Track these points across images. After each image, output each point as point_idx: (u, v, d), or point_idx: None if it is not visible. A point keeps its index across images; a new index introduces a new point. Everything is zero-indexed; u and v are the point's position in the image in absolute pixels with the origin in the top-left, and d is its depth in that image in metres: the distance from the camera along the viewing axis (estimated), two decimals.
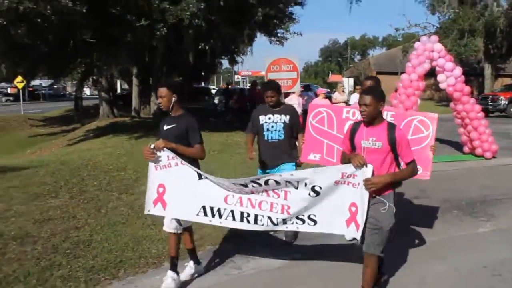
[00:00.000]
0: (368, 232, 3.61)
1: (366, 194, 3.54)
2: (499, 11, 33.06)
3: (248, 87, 35.20)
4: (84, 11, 10.03)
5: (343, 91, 13.97)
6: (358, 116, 4.19)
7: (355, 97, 12.82)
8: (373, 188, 3.50)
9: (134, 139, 13.82)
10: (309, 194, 3.81)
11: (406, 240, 5.21)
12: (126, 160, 9.85)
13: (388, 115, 4.58)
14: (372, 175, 3.51)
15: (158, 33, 11.32)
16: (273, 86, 5.25)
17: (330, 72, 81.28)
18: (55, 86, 77.11)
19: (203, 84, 56.79)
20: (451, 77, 10.69)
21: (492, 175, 9.19)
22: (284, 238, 5.33)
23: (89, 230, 5.52)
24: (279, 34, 16.38)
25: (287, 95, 10.60)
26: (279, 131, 5.10)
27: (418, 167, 3.85)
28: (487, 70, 36.54)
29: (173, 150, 4.11)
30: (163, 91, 4.24)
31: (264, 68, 9.48)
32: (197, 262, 4.47)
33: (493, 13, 32.96)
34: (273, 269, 4.65)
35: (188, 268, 4.41)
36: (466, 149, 11.27)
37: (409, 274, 4.38)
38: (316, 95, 14.50)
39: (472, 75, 38.97)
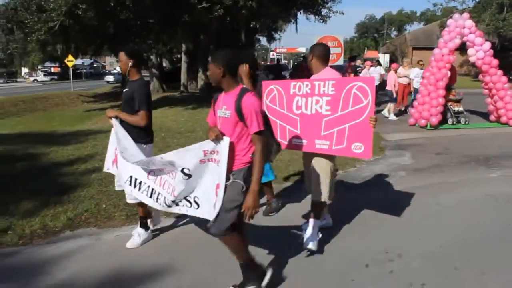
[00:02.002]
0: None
1: (224, 172, 3.23)
2: None
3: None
4: None
5: (407, 65, 14.65)
6: (305, 90, 4.29)
7: (415, 71, 14.10)
8: (254, 213, 3.16)
9: (190, 109, 15.53)
10: (182, 177, 3.50)
11: (429, 181, 6.73)
12: (192, 124, 11.59)
13: (329, 84, 4.14)
14: (230, 148, 3.20)
15: (216, 13, 12.84)
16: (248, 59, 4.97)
17: (366, 48, 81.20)
18: (95, 65, 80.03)
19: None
20: (480, 51, 11.86)
21: (511, 138, 10.43)
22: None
23: None
24: (322, 13, 17.64)
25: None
26: None
27: (358, 144, 3.93)
28: None
29: (121, 120, 4.26)
30: (121, 55, 4.32)
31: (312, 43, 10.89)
32: (146, 228, 4.61)
33: None
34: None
35: (136, 235, 4.57)
36: (492, 117, 12.47)
37: (429, 199, 5.86)
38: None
39: None
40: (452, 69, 12.08)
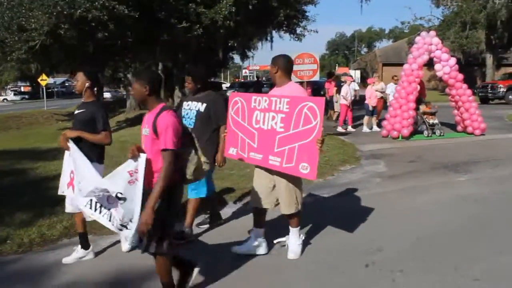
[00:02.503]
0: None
1: (140, 189, 3.23)
2: (500, 3, 34.60)
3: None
4: (137, 16, 12.04)
5: (378, 80, 15.13)
6: (264, 105, 4.25)
7: (391, 87, 14.74)
8: (145, 230, 3.13)
9: None
10: (119, 202, 3.44)
11: (404, 185, 7.23)
12: None
13: (284, 101, 4.09)
14: (147, 164, 3.24)
15: (195, 33, 13.29)
16: (190, 72, 5.06)
17: (337, 64, 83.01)
18: (66, 84, 79.33)
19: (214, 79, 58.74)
20: (446, 66, 12.58)
21: (477, 146, 11.11)
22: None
23: None
24: (297, 32, 18.33)
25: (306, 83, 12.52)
26: (191, 119, 4.89)
27: (305, 164, 3.88)
28: (489, 60, 38.00)
29: (78, 139, 4.22)
30: (79, 75, 4.37)
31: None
32: (85, 247, 4.56)
33: (495, 5, 34.53)
34: None
35: (74, 253, 4.55)
36: (459, 128, 13.16)
37: (404, 200, 6.36)
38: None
39: (476, 65, 40.62)
40: (421, 83, 12.79)
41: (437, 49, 12.58)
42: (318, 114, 3.84)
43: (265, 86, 27.83)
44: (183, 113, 4.93)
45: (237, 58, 46.75)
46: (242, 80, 51.17)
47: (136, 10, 12.13)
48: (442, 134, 12.63)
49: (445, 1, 37.84)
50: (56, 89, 69.94)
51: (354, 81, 16.11)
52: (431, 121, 12.72)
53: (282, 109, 4.09)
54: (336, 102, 15.85)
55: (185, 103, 5.04)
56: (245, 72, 75.84)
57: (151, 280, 3.89)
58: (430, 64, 13.25)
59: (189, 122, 4.84)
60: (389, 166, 8.79)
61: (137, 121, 18.30)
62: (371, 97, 14.36)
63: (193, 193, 4.99)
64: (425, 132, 12.64)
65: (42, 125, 29.49)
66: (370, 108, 14.46)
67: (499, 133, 13.24)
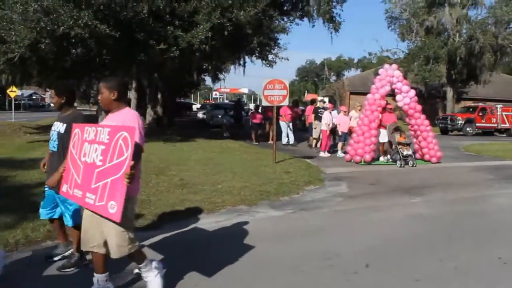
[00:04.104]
0: None
1: None
2: (459, 41, 36.68)
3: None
4: (117, 35, 12.56)
5: (359, 110, 15.09)
6: (91, 136, 3.73)
7: (353, 114, 15.53)
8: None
9: None
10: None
11: (362, 204, 7.93)
12: (148, 155, 12.30)
13: (106, 131, 3.58)
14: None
15: (171, 54, 13.87)
16: (56, 87, 4.71)
17: (306, 91, 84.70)
18: (33, 97, 78.16)
19: (185, 99, 59.53)
20: (406, 97, 13.55)
21: (432, 173, 12.00)
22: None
23: (145, 195, 7.92)
24: (269, 59, 19.18)
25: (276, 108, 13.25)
26: (54, 141, 4.49)
27: (113, 202, 3.38)
28: (449, 93, 39.88)
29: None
30: (52, 93, 4.56)
31: (262, 86, 12.15)
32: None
33: (455, 43, 36.54)
34: None
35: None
36: (417, 155, 14.06)
37: (362, 217, 7.02)
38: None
39: (438, 98, 42.52)
40: (391, 112, 13.71)
41: (398, 81, 13.55)
42: (130, 145, 3.33)
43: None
44: (51, 134, 4.54)
45: (208, 80, 47.60)
46: (214, 102, 51.70)
47: (117, 30, 12.65)
48: (414, 165, 12.71)
49: (410, 35, 39.77)
50: (23, 102, 68.80)
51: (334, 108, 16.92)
52: (405, 152, 12.86)
53: (103, 140, 3.59)
54: (315, 128, 16.59)
55: (55, 123, 4.58)
56: (215, 94, 76.80)
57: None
58: (393, 94, 14.19)
59: (52, 144, 4.50)
60: (350, 188, 9.49)
61: None
62: (342, 124, 15.13)
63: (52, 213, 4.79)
64: (398, 163, 12.76)
65: (10, 136, 29.01)
66: (340, 134, 15.24)
67: (454, 162, 14.25)
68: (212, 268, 4.65)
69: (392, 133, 13.14)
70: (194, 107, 60.48)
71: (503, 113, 31.45)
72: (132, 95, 27.09)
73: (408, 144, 13.23)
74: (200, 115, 35.15)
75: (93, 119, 25.02)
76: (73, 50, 14.26)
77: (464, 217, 7.28)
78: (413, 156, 13.16)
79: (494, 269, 4.85)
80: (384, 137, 13.64)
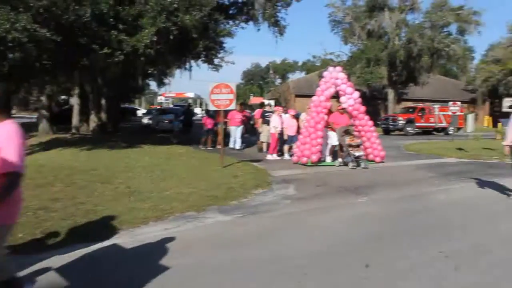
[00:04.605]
0: None
1: None
2: (399, 44, 38.11)
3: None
4: (59, 40, 12.13)
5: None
6: None
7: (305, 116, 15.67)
8: None
9: (86, 150, 15.73)
10: None
11: (311, 206, 8.05)
12: (93, 163, 12.00)
13: None
14: None
15: (116, 59, 13.56)
16: None
17: (252, 94, 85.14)
18: None
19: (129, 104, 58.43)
20: (351, 99, 13.89)
21: (376, 172, 12.36)
22: None
23: (91, 204, 7.71)
24: (215, 62, 19.11)
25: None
26: None
27: None
28: (390, 94, 41.35)
29: None
30: None
31: (208, 90, 12.07)
32: None
33: (395, 46, 37.92)
34: None
35: None
36: None
37: (310, 218, 7.13)
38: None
39: (380, 99, 43.93)
40: (342, 113, 13.73)
41: (342, 83, 13.88)
42: None
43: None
44: None
45: (153, 85, 46.87)
46: (160, 107, 50.90)
47: (58, 34, 12.21)
48: (366, 167, 12.82)
49: (353, 39, 40.91)
50: None
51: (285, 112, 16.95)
52: (356, 154, 12.88)
53: None
54: (261, 132, 16.60)
55: None
56: (161, 99, 75.80)
57: None
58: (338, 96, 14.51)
59: None
60: (298, 190, 9.61)
61: (51, 145, 17.95)
62: (289, 127, 15.28)
63: None
64: (350, 165, 12.79)
65: None
66: (286, 137, 15.38)
67: (396, 161, 14.76)
68: (160, 276, 4.59)
69: (342, 136, 13.18)
70: (139, 113, 59.40)
71: (440, 113, 32.85)
72: (74, 101, 26.31)
73: (359, 146, 13.21)
74: (146, 120, 34.49)
75: (33, 127, 24.17)
76: (11, 55, 13.62)
77: (408, 214, 7.56)
78: (363, 157, 13.23)
79: (437, 263, 5.05)
80: (334, 139, 13.63)
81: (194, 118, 25.53)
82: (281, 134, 15.54)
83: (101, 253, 5.40)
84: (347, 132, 13.22)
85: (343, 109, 13.90)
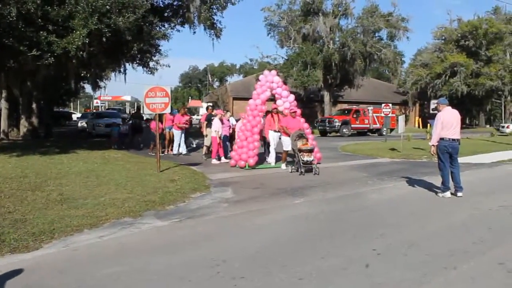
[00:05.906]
0: None
1: None
2: (333, 48, 39.18)
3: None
4: None
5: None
6: None
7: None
8: None
9: (16, 156, 15.02)
10: None
11: (248, 208, 8.11)
12: (22, 170, 11.47)
13: None
14: None
15: (46, 61, 13.03)
16: None
17: (190, 97, 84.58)
18: None
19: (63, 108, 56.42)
20: (286, 102, 14.13)
21: (313, 174, 12.59)
22: None
23: (21, 213, 7.38)
24: (151, 66, 18.83)
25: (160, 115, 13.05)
26: None
27: None
28: (326, 97, 42.40)
29: None
30: None
31: (143, 93, 11.86)
32: None
33: (329, 49, 38.91)
34: None
35: None
36: None
37: (247, 221, 7.19)
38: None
39: (317, 101, 44.97)
40: (294, 117, 13.63)
41: (278, 87, 14.11)
42: None
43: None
44: None
45: (88, 88, 45.47)
46: (96, 110, 49.48)
47: None
48: (317, 173, 12.22)
49: (288, 42, 41.58)
50: None
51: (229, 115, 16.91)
52: (305, 158, 12.38)
53: None
54: (206, 136, 16.42)
55: None
56: (97, 102, 73.93)
57: None
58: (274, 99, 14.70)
59: None
60: (235, 193, 9.66)
61: None
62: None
63: None
64: (300, 170, 12.35)
65: None
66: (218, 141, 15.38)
67: (332, 162, 15.16)
68: (94, 286, 4.48)
69: (294, 141, 12.80)
70: (74, 116, 57.56)
71: (374, 114, 34.12)
72: (2, 105, 25.03)
73: (311, 150, 12.74)
74: (80, 124, 33.45)
75: None
76: None
77: (343, 213, 7.78)
78: (314, 162, 12.65)
79: (370, 261, 5.23)
80: (287, 145, 13.30)
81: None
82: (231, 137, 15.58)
83: (31, 264, 5.18)
84: (300, 137, 12.92)
85: (294, 112, 13.58)
